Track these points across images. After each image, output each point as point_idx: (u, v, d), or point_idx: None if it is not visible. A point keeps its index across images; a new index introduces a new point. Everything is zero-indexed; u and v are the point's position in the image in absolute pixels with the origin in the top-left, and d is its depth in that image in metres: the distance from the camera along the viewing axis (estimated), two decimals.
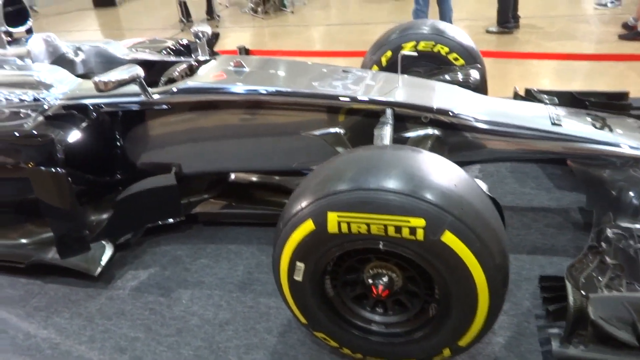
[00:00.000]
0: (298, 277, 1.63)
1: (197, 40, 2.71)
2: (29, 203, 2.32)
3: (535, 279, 2.13)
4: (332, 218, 1.48)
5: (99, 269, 2.34)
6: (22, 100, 2.45)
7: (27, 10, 2.73)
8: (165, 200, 2.48)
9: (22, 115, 2.36)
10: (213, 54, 2.87)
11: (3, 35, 2.63)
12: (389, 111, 2.15)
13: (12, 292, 2.39)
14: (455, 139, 2.16)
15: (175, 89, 2.35)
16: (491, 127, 2.13)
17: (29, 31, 2.78)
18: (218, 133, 2.44)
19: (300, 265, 1.60)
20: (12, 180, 2.33)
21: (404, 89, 2.27)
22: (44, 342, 2.10)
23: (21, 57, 2.63)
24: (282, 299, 1.77)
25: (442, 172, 1.54)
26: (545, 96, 2.69)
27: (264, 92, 2.30)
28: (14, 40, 2.71)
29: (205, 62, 2.61)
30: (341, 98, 2.24)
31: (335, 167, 1.62)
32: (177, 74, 2.59)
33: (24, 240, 2.51)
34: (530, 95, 2.74)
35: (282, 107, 2.32)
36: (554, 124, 2.12)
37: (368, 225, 1.46)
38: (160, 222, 2.57)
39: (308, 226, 1.53)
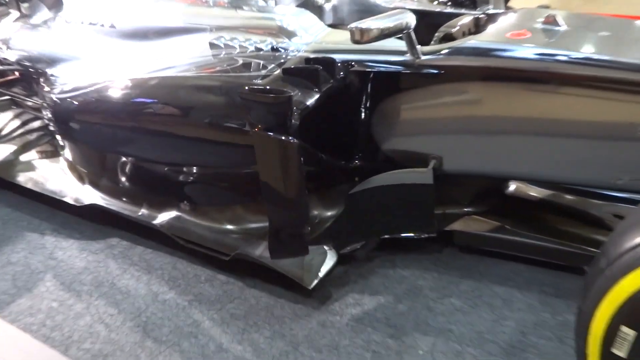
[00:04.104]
0: (620, 352, 1.12)
1: None
2: (243, 179, 2.01)
3: None
4: None
5: (315, 281, 1.91)
6: (258, 49, 2.11)
7: None
8: (414, 205, 1.96)
9: (256, 66, 2.01)
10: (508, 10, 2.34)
11: None
12: None
13: (210, 289, 2.01)
14: None
15: (452, 49, 1.86)
16: None
17: None
18: (506, 120, 1.88)
19: (628, 332, 1.10)
20: (229, 146, 1.96)
21: None
22: None
23: None
24: None
25: None
26: None
27: (588, 62, 1.66)
28: None
29: (500, 16, 2.08)
30: None
31: None
32: (458, 29, 2.12)
33: (229, 227, 2.14)
34: None
35: (614, 89, 1.63)
36: None
37: None
38: (402, 235, 2.05)
39: None
